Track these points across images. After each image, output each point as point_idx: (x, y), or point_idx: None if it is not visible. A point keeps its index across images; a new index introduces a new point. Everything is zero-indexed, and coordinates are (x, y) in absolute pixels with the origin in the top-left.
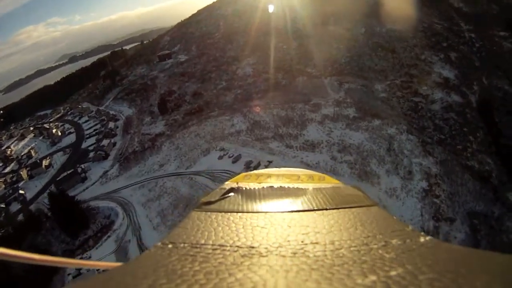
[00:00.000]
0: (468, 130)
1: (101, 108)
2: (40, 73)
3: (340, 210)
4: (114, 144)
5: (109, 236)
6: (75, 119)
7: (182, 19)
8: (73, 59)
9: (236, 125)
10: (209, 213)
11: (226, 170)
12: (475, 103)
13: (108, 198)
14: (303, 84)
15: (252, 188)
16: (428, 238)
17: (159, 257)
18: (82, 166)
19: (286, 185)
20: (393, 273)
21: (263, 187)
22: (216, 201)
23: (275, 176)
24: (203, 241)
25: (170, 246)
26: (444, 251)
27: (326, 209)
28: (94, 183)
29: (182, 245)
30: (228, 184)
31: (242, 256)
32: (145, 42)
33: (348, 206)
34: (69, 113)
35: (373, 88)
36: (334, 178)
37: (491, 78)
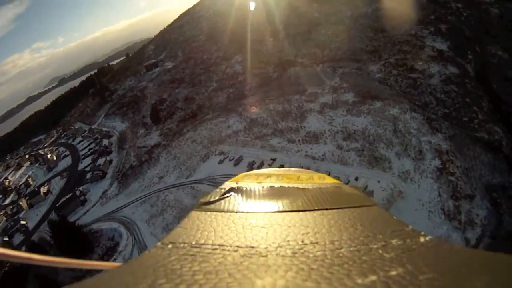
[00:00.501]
0: (470, 100)
1: (93, 126)
2: (31, 100)
3: (340, 210)
4: (111, 161)
5: (115, 259)
6: (69, 141)
7: (165, 27)
8: (62, 81)
9: (233, 126)
10: (208, 213)
11: (228, 175)
12: (472, 72)
13: (110, 218)
14: (296, 74)
15: (252, 188)
16: (428, 238)
17: (159, 257)
18: (81, 188)
19: (286, 185)
20: (393, 273)
21: (263, 187)
22: (216, 201)
23: (275, 176)
24: (202, 241)
25: (170, 246)
26: (444, 251)
27: (326, 209)
28: (94, 204)
29: (181, 245)
30: (228, 184)
31: (242, 256)
32: (130, 54)
33: (348, 206)
34: (62, 135)
35: (368, 70)
36: (334, 178)
37: (484, 45)
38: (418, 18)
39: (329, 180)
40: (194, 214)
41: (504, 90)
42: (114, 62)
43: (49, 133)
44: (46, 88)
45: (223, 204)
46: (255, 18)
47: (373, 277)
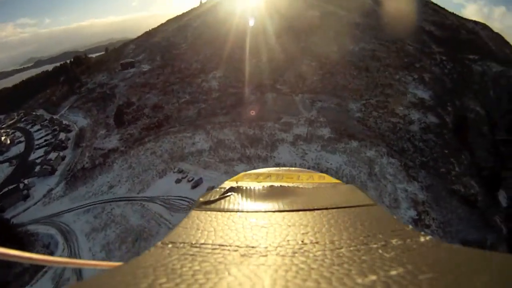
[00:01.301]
0: (448, 152)
1: (55, 116)
2: (3, 75)
3: (340, 209)
4: (63, 158)
5: (45, 272)
6: (28, 127)
7: (150, 29)
8: (38, 63)
9: (198, 144)
10: (208, 212)
11: (184, 197)
12: (450, 124)
13: (48, 222)
14: (273, 101)
15: (252, 187)
16: (428, 237)
17: (159, 257)
18: (26, 181)
19: (286, 185)
20: (393, 272)
21: (263, 186)
22: (216, 200)
23: (275, 175)
24: (202, 241)
25: (170, 245)
26: (444, 251)
27: (326, 209)
28: (36, 202)
29: (181, 244)
30: (228, 184)
31: (242, 255)
32: (109, 50)
33: (348, 205)
34: (22, 119)
35: (348, 107)
36: (334, 178)
37: (463, 99)
38: (403, 64)
39: (329, 180)
40: (194, 213)
41: (478, 146)
42: (94, 55)
43: (10, 114)
44: (22, 67)
45: (223, 203)
46: (241, 37)
47: (373, 277)
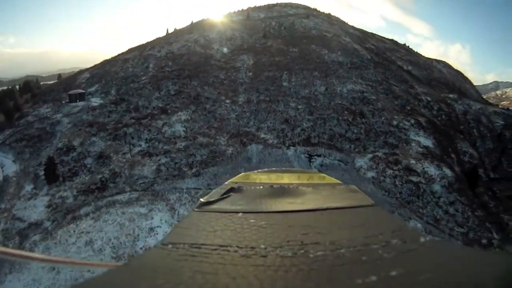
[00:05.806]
0: (479, 215)
1: None
2: None
3: (340, 210)
4: None
5: None
6: None
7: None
8: None
9: (157, 229)
10: (208, 213)
11: None
12: (461, 175)
13: None
14: (258, 155)
15: (252, 187)
16: (428, 238)
17: (159, 257)
18: None
19: (286, 185)
20: (393, 273)
21: (263, 187)
22: (216, 201)
23: (275, 175)
24: (202, 241)
25: (169, 246)
26: (444, 251)
27: (326, 209)
28: None
29: (181, 245)
30: (228, 184)
31: (242, 256)
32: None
33: (348, 206)
34: None
35: (355, 164)
36: (334, 178)
37: (455, 142)
38: (395, 107)
39: (329, 180)
40: (194, 214)
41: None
42: (51, 82)
43: None
44: None
45: (223, 204)
46: (212, 73)
47: (373, 278)
